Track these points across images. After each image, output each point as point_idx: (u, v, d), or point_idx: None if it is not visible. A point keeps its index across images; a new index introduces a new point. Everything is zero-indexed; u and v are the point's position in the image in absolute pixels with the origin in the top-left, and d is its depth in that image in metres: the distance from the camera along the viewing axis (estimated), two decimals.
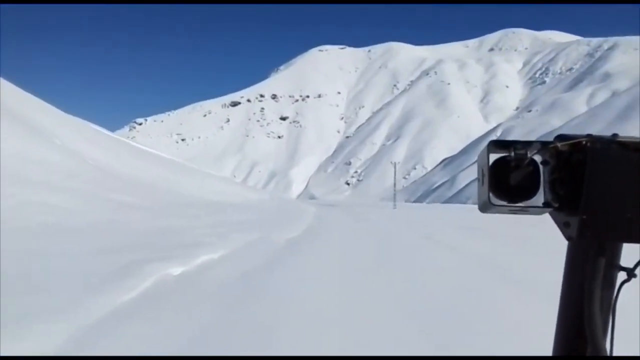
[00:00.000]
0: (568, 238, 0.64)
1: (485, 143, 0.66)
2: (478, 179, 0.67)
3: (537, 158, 0.64)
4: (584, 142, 0.62)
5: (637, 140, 0.61)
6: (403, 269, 7.86)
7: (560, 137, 0.64)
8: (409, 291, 5.99)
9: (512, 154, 0.63)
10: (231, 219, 18.89)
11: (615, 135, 0.63)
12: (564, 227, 0.64)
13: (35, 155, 19.80)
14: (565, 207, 0.63)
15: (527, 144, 0.64)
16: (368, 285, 6.38)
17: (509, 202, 0.64)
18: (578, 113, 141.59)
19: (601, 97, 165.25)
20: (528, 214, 0.66)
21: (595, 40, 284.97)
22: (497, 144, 0.65)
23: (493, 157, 0.64)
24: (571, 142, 0.62)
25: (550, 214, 0.65)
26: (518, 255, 10.07)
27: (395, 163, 68.16)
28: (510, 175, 0.64)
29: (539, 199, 0.64)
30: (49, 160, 19.94)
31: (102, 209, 15.31)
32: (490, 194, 0.64)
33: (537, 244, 11.80)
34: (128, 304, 4.96)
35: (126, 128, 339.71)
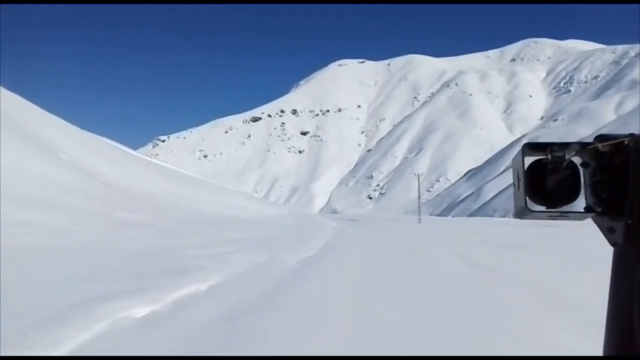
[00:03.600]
0: (613, 244, 0.60)
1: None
2: (513, 183, 0.63)
3: (576, 160, 0.61)
4: (626, 142, 0.57)
5: None
6: (440, 304, 6.09)
7: (601, 137, 0.60)
8: (453, 340, 4.24)
9: (549, 156, 0.60)
10: (241, 236, 17.32)
11: None
12: (608, 232, 0.60)
13: (34, 170, 18.63)
14: (608, 211, 0.59)
15: (565, 145, 0.60)
16: (395, 334, 4.65)
17: (548, 207, 0.61)
18: (606, 121, 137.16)
19: (630, 104, 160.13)
20: (568, 219, 0.62)
21: (620, 48, 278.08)
22: (533, 147, 0.61)
23: (528, 160, 0.61)
24: (612, 142, 0.58)
25: (593, 219, 0.61)
26: (584, 279, 8.20)
27: (419, 174, 65.76)
28: (548, 178, 0.60)
29: (579, 203, 0.60)
30: (47, 175, 18.74)
31: (97, 227, 13.90)
32: (527, 199, 0.60)
33: (600, 261, 9.86)
34: None
35: (149, 145, 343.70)
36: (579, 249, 13.68)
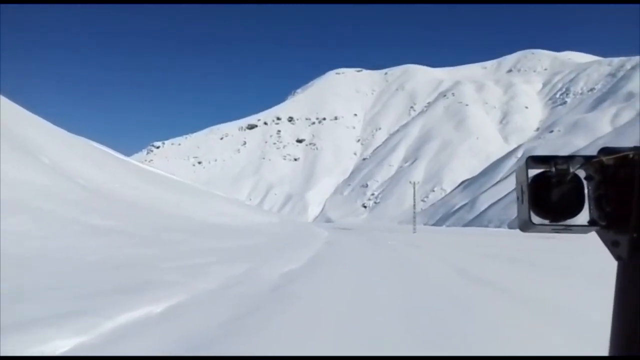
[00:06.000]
0: (617, 258, 0.60)
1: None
2: (517, 196, 0.63)
3: (580, 173, 0.60)
4: (631, 156, 0.57)
5: None
6: (440, 333, 5.04)
7: (605, 151, 0.59)
8: None
9: (553, 169, 0.60)
10: (224, 245, 16.21)
11: None
12: (612, 246, 0.59)
13: (9, 172, 17.49)
14: (613, 225, 0.58)
15: (569, 158, 0.60)
16: None
17: (551, 220, 0.60)
18: (602, 133, 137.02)
19: (626, 116, 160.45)
20: (572, 232, 0.61)
21: (616, 60, 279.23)
22: (536, 159, 0.61)
23: (532, 173, 0.61)
24: (617, 155, 0.58)
25: (597, 232, 0.61)
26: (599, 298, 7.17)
27: (414, 182, 64.68)
28: (552, 191, 0.60)
29: (583, 216, 0.60)
30: (22, 177, 17.60)
31: (65, 234, 12.77)
32: (531, 213, 0.60)
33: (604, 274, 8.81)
34: None
35: (144, 151, 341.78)
36: (588, 262, 12.68)
